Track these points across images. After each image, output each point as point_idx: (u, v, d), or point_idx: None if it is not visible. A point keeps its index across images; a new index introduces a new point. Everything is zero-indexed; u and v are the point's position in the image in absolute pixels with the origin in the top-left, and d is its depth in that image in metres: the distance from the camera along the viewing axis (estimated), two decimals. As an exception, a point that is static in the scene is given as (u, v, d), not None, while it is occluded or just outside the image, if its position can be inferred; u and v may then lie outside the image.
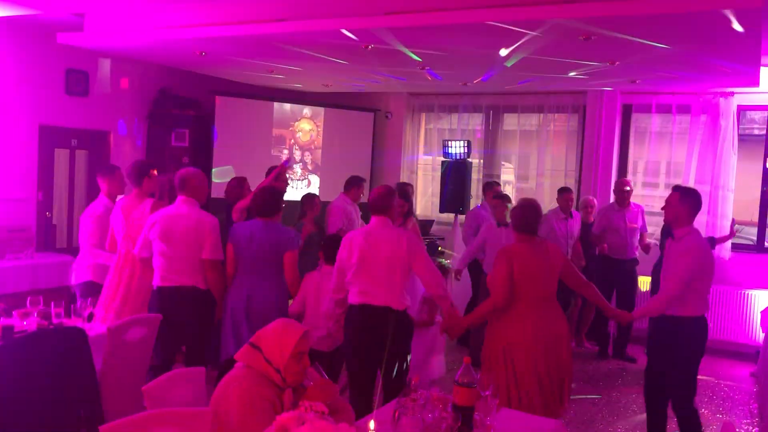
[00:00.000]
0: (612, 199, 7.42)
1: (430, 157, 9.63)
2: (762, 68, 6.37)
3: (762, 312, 6.71)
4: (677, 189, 4.35)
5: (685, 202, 4.18)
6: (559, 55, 5.77)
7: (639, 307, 6.12)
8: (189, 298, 4.42)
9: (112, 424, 2.39)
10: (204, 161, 8.44)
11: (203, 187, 4.60)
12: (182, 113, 8.31)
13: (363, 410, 3.90)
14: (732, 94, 7.53)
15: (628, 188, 7.10)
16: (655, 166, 8.48)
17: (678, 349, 4.17)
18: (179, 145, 8.35)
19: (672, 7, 4.17)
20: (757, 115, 8.16)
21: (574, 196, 7.60)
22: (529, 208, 4.12)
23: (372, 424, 2.45)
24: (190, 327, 4.45)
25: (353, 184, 7.06)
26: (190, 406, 2.88)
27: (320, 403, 2.27)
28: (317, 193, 7.32)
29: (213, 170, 8.39)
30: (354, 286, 4.08)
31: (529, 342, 3.90)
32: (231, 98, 8.68)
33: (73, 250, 7.29)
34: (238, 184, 6.24)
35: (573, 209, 7.21)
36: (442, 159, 8.68)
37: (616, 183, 7.37)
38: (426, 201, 9.62)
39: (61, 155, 7.51)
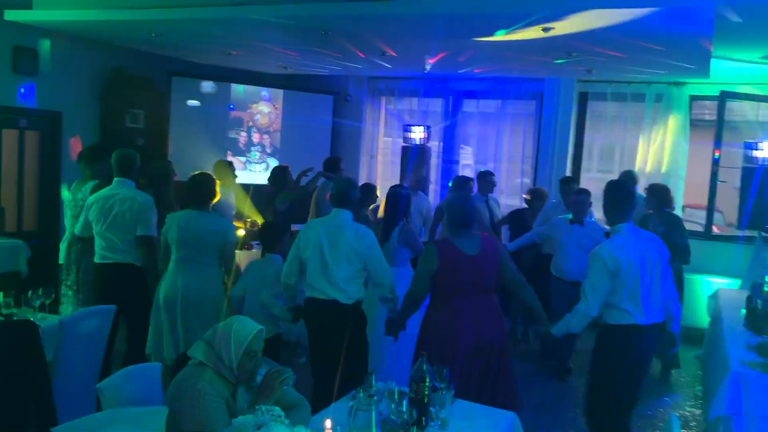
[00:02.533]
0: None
1: (389, 140, 9.64)
2: (712, 60, 6.52)
3: (708, 297, 6.93)
4: None
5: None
6: (519, 48, 5.81)
7: None
8: (126, 275, 4.66)
9: (66, 425, 2.37)
10: (159, 143, 8.29)
11: (137, 167, 4.80)
12: (137, 93, 8.12)
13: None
14: (684, 83, 7.70)
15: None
16: (609, 152, 8.66)
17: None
18: (134, 127, 8.16)
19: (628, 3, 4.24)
20: (709, 101, 8.37)
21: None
22: (463, 202, 4.00)
23: (328, 423, 2.47)
24: (129, 304, 4.57)
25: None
26: (146, 404, 2.86)
27: (277, 407, 2.28)
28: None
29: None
30: (309, 279, 4.09)
31: (454, 339, 3.78)
32: (188, 79, 8.51)
33: (23, 234, 7.10)
34: (281, 172, 6.48)
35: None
36: (403, 144, 8.70)
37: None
38: (387, 185, 9.60)
39: (9, 136, 7.27)
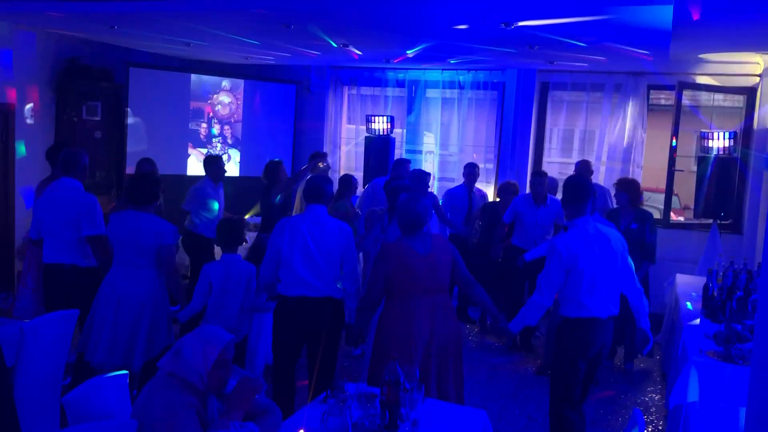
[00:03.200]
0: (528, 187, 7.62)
1: (353, 131, 9.60)
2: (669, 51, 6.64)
3: (666, 283, 7.12)
4: None
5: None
6: (480, 41, 5.83)
7: None
8: (69, 275, 4.59)
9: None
10: (117, 135, 8.13)
11: (83, 166, 4.71)
12: (94, 85, 7.92)
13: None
14: (642, 74, 7.84)
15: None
16: (570, 139, 8.80)
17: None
18: (91, 119, 7.98)
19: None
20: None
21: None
22: (413, 204, 3.99)
23: (301, 432, 2.48)
24: (73, 306, 4.33)
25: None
26: (114, 416, 2.82)
27: (251, 423, 2.28)
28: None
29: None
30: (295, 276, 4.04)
31: (412, 338, 3.81)
32: (146, 69, 8.33)
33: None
34: (275, 167, 6.48)
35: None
36: (366, 135, 8.69)
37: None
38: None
39: (-41, 130, 7.04)
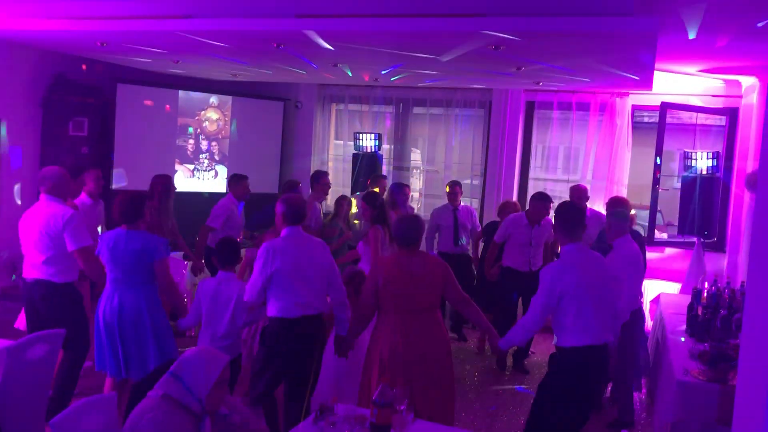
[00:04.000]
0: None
1: (341, 148, 9.64)
2: (655, 72, 6.75)
3: (650, 301, 7.18)
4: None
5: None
6: (469, 62, 5.90)
7: None
8: (44, 290, 4.58)
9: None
10: (104, 151, 8.10)
11: (64, 184, 4.71)
12: (81, 101, 7.90)
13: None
14: (627, 94, 7.95)
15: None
16: (555, 158, 8.89)
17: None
18: (77, 135, 7.95)
19: (576, 25, 4.36)
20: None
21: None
22: (409, 220, 4.09)
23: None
24: (51, 321, 4.43)
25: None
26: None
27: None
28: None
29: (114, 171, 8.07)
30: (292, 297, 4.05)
31: (401, 354, 3.84)
32: (134, 86, 8.33)
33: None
34: (294, 187, 6.55)
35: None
36: (354, 152, 8.73)
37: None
38: (336, 193, 9.62)
39: (-56, 146, 7.00)
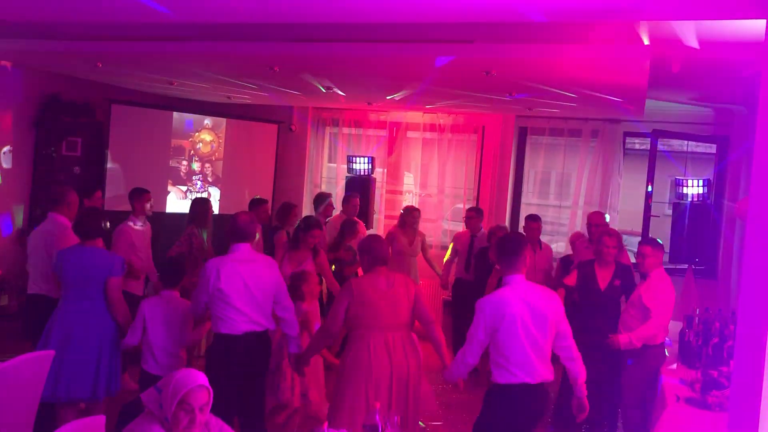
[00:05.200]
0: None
1: (333, 170, 9.66)
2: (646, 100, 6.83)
3: (642, 327, 7.17)
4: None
5: None
6: (462, 87, 5.96)
7: None
8: (36, 304, 4.76)
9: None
10: (96, 171, 8.08)
11: (67, 201, 4.90)
12: (74, 121, 7.90)
13: None
14: (619, 121, 8.03)
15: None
16: (547, 184, 8.94)
17: None
18: (70, 155, 7.94)
19: (569, 53, 4.41)
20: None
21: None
22: (378, 239, 4.17)
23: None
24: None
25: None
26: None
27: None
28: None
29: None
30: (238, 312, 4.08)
31: (370, 372, 3.84)
32: (128, 106, 8.34)
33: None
34: (290, 209, 6.67)
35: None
36: (347, 174, 8.75)
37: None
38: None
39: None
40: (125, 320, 4.43)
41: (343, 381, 3.95)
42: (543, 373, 3.61)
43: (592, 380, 3.94)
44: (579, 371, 3.71)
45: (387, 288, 3.94)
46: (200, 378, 2.73)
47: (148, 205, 5.93)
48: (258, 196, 7.20)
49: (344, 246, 6.79)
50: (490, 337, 3.58)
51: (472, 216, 7.24)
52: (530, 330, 3.54)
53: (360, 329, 3.93)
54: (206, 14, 3.95)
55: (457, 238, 7.37)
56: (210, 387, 2.71)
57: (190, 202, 8.80)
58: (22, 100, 7.62)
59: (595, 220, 6.28)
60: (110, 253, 4.51)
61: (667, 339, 5.10)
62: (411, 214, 7.20)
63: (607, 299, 5.22)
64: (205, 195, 9.04)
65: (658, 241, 5.13)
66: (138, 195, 5.89)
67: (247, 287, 4.07)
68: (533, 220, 6.51)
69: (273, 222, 7.16)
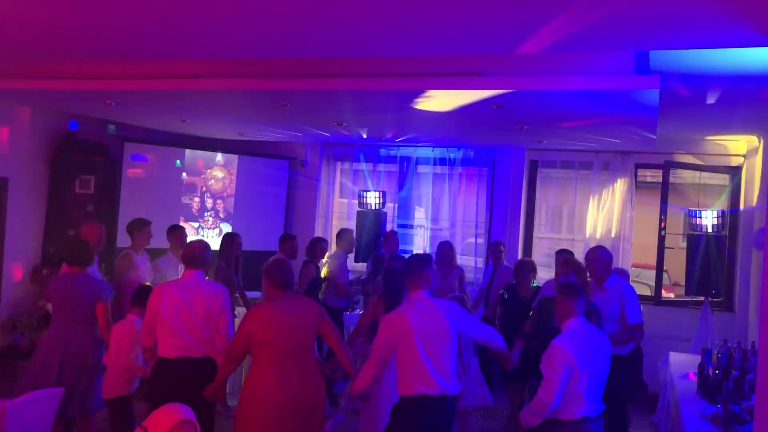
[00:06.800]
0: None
1: (345, 206, 9.67)
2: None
3: (660, 361, 7.04)
4: None
5: None
6: (472, 121, 5.97)
7: None
8: None
9: None
10: (109, 209, 8.12)
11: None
12: (88, 159, 7.99)
13: None
14: (630, 153, 8.00)
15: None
16: (559, 216, 8.89)
17: None
18: (83, 192, 8.00)
19: (579, 84, 4.42)
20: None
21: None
22: (282, 264, 4.25)
23: None
24: None
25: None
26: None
27: None
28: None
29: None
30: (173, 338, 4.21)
31: (268, 398, 3.86)
32: (140, 144, 8.43)
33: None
34: (320, 244, 7.07)
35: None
36: (358, 209, 8.75)
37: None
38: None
39: (-49, 203, 7.03)
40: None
41: (241, 407, 3.96)
42: (444, 385, 3.74)
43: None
44: (498, 345, 4.14)
45: (289, 312, 3.98)
46: (183, 412, 2.67)
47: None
48: (287, 232, 7.64)
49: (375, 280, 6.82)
50: (391, 350, 3.78)
51: (498, 249, 7.19)
52: (429, 343, 3.72)
53: (262, 354, 3.95)
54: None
55: (484, 273, 7.31)
56: (195, 421, 2.66)
57: (199, 238, 8.85)
58: (37, 139, 7.72)
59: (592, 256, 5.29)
60: (99, 280, 4.79)
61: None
62: (441, 249, 7.15)
63: None
64: (216, 231, 9.08)
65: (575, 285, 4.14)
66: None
67: (186, 313, 4.20)
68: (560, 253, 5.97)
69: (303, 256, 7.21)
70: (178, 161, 8.57)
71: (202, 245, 4.52)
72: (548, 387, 3.68)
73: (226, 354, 4.11)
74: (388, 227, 8.93)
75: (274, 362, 3.91)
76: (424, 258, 4.16)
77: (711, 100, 4.89)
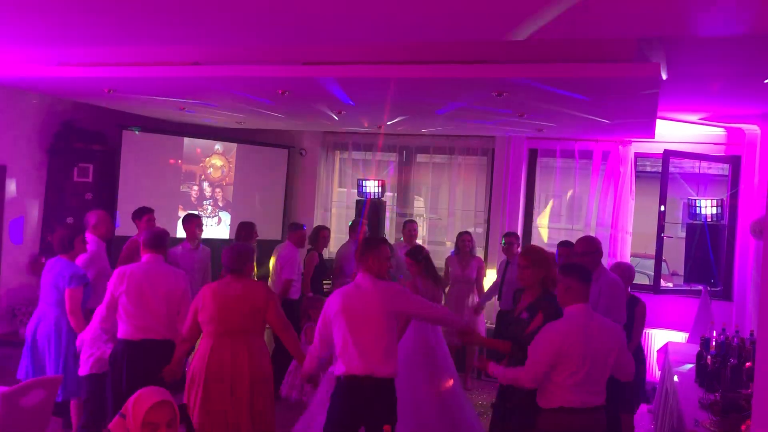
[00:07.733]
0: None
1: (344, 195, 9.66)
2: (657, 120, 6.80)
3: (658, 350, 7.07)
4: None
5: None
6: (472, 107, 5.95)
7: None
8: None
9: None
10: (108, 197, 8.11)
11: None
12: (86, 147, 7.97)
13: None
14: (630, 142, 7.99)
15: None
16: (558, 206, 8.88)
17: None
18: (82, 181, 7.98)
19: (579, 71, 4.40)
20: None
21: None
22: (237, 249, 4.32)
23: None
24: None
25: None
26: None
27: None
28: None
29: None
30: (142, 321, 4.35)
31: (211, 377, 4.02)
32: (139, 132, 8.40)
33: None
34: (323, 231, 7.08)
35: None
36: (357, 198, 8.74)
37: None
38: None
39: (-51, 191, 7.02)
40: (78, 327, 4.75)
41: (192, 382, 4.09)
42: (370, 365, 3.72)
43: None
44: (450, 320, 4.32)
45: (231, 294, 4.10)
46: (159, 394, 2.63)
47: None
48: (294, 221, 7.59)
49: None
50: (329, 330, 3.86)
51: (511, 241, 7.15)
52: (356, 323, 3.76)
53: (207, 334, 4.12)
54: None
55: (499, 267, 7.35)
56: (174, 401, 2.64)
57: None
58: (37, 126, 7.70)
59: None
60: (72, 265, 4.83)
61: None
62: (461, 239, 7.16)
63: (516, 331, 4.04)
64: (215, 220, 9.07)
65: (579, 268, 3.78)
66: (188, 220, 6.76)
67: (145, 295, 4.34)
68: (565, 246, 5.80)
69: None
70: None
71: (165, 231, 4.77)
72: (531, 369, 3.53)
73: (179, 334, 4.30)
74: (387, 216, 8.92)
75: (211, 340, 4.09)
76: (373, 240, 4.13)
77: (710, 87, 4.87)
